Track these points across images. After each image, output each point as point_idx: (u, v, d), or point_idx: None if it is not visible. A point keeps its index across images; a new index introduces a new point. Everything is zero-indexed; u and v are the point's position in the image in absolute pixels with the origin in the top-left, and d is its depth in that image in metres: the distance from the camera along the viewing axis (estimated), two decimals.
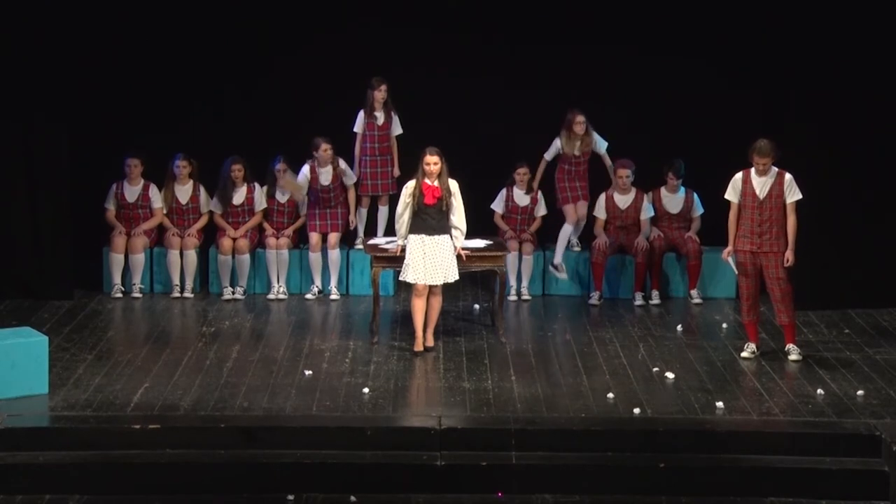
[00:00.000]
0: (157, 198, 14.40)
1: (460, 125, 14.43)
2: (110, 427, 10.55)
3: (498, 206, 14.45)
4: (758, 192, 12.09)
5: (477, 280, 14.49)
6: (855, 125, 13.54)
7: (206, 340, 12.74)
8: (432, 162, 12.29)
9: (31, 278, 13.89)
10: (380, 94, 14.28)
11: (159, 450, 10.39)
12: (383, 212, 14.55)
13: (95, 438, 10.45)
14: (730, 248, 12.27)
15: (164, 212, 14.44)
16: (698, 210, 14.41)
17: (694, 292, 14.30)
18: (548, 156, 14.46)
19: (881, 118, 13.58)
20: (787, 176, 12.10)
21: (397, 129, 14.49)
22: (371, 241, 13.30)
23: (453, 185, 12.39)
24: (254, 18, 14.78)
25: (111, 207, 14.40)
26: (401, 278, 12.51)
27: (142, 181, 14.41)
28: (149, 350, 12.42)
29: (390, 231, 13.71)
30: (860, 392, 11.41)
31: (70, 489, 10.18)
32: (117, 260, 14.20)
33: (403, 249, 12.44)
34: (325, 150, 14.09)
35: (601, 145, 14.43)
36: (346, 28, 14.80)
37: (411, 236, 12.39)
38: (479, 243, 13.01)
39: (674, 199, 14.42)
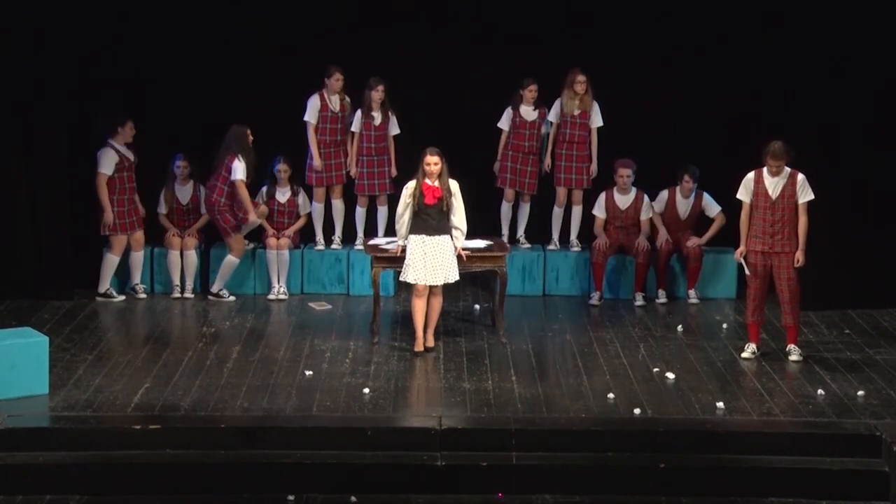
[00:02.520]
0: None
1: (459, 125, 14.40)
2: (110, 427, 10.55)
3: (504, 123, 14.55)
4: (770, 192, 12.07)
5: (477, 280, 14.50)
6: (855, 126, 13.54)
7: (207, 341, 12.74)
8: (433, 162, 12.29)
9: (31, 278, 13.89)
10: (377, 94, 14.29)
11: (159, 450, 10.39)
12: (382, 212, 14.55)
13: (95, 438, 10.45)
14: (742, 248, 12.24)
15: (164, 212, 14.44)
16: (715, 208, 14.33)
17: (692, 292, 14.31)
18: (552, 117, 14.53)
19: (881, 119, 13.58)
20: (800, 176, 12.08)
21: (394, 130, 14.50)
22: (371, 242, 13.30)
23: (454, 185, 12.39)
24: (253, 19, 14.77)
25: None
26: (401, 278, 12.51)
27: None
28: (149, 350, 12.42)
29: (390, 231, 13.72)
30: (860, 392, 11.41)
31: (70, 489, 10.18)
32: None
33: (404, 250, 12.45)
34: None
35: (596, 119, 14.46)
36: (345, 28, 14.79)
37: (412, 236, 12.38)
38: (480, 243, 13.00)
39: (685, 203, 14.37)
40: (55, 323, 13.18)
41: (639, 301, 14.17)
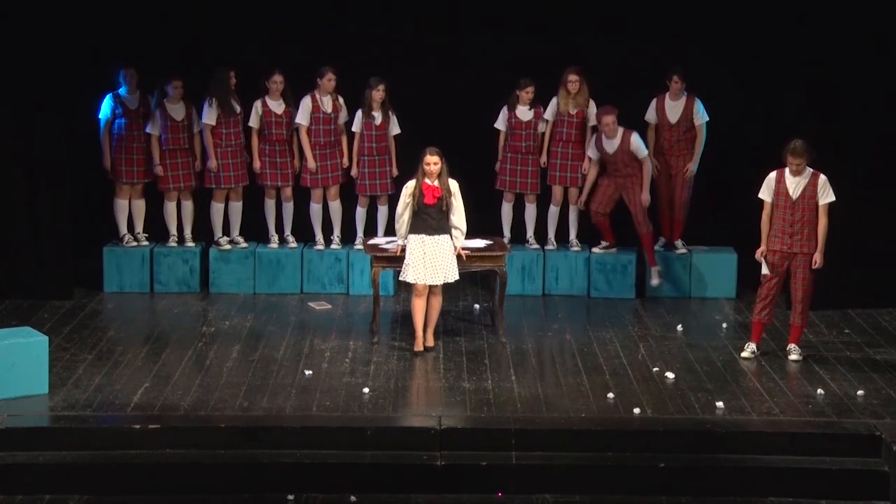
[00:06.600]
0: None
1: (460, 125, 14.40)
2: (110, 427, 10.56)
3: (501, 124, 14.54)
4: (791, 191, 12.06)
5: (477, 280, 14.50)
6: (855, 126, 13.53)
7: (206, 340, 12.75)
8: (432, 162, 12.30)
9: (31, 278, 13.88)
10: (378, 93, 14.27)
11: (159, 450, 10.40)
12: (383, 212, 14.54)
13: (95, 438, 10.46)
14: (763, 247, 12.22)
15: (158, 133, 14.25)
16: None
17: (679, 242, 14.51)
18: (547, 115, 14.49)
19: (881, 118, 13.58)
20: (822, 177, 12.07)
21: (395, 129, 14.49)
22: (371, 241, 13.30)
23: (453, 184, 12.40)
24: (252, 19, 14.77)
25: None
26: (401, 278, 12.51)
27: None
28: (148, 350, 12.42)
29: (390, 231, 13.72)
30: (860, 392, 11.41)
31: (70, 489, 10.19)
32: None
33: (403, 249, 12.45)
34: (328, 79, 14.27)
35: (593, 118, 14.38)
36: (345, 28, 14.79)
37: (411, 236, 12.39)
38: (479, 243, 13.00)
39: (675, 106, 14.34)
40: (55, 323, 13.18)
41: (654, 279, 14.16)
